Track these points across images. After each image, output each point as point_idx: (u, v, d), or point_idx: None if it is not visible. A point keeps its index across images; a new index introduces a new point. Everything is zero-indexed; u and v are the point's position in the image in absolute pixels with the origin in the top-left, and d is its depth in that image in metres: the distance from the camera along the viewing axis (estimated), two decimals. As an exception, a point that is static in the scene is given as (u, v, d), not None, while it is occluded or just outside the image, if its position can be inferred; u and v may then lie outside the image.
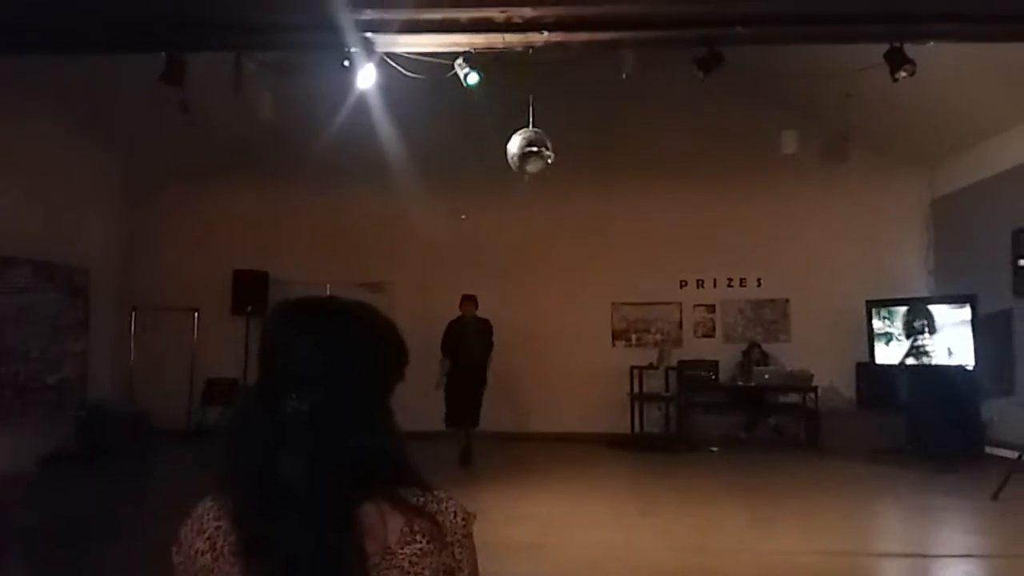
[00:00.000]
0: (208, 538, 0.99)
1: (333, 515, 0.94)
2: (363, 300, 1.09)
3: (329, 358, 1.01)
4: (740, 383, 9.86)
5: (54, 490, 6.83)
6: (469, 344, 8.37)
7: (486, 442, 8.78)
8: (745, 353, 10.11)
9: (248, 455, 0.98)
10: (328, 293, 9.02)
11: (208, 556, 0.99)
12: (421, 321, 8.34)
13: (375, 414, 1.03)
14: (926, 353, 8.59)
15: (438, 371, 8.28)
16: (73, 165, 9.00)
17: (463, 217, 10.40)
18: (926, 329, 8.62)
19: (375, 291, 10.21)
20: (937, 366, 8.53)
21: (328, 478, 0.95)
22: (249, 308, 10.00)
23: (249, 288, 10.24)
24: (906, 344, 8.86)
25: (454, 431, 8.37)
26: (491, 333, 8.59)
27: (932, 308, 8.74)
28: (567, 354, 10.35)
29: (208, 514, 1.01)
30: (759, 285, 10.43)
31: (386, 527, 0.97)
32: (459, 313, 8.59)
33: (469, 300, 8.56)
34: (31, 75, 7.05)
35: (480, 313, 8.67)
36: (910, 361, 8.76)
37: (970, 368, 8.27)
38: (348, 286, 9.94)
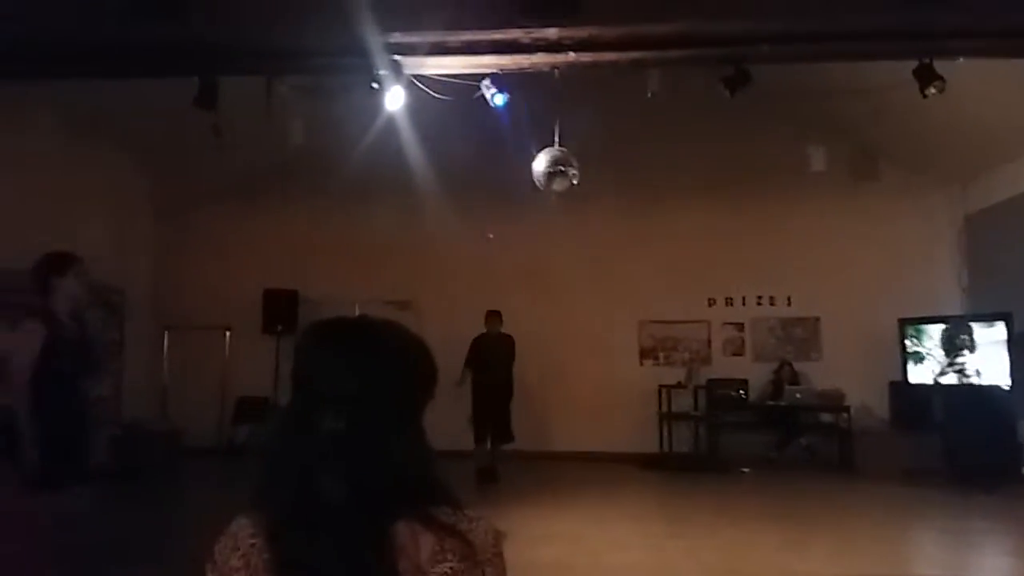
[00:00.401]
0: (243, 555, 0.99)
1: (368, 534, 0.94)
2: (392, 319, 1.11)
3: (362, 377, 1.02)
4: (771, 402, 9.75)
5: (90, 508, 6.97)
6: (494, 360, 8.36)
7: (510, 461, 8.72)
8: (776, 372, 10.00)
9: (285, 473, 0.99)
10: (358, 312, 8.61)
11: (243, 573, 0.99)
12: (448, 339, 8.00)
13: (407, 432, 1.04)
14: (964, 372, 8.49)
15: (461, 376, 8.21)
16: (107, 185, 9.17)
17: (490, 237, 10.41)
18: (966, 347, 8.52)
19: (402, 309, 10.19)
20: (974, 385, 8.42)
21: (364, 497, 0.96)
22: (279, 327, 10.09)
23: (279, 307, 10.31)
24: (941, 362, 8.78)
25: (481, 449, 8.31)
26: (513, 347, 8.59)
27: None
28: (594, 372, 10.33)
29: (243, 531, 1.01)
30: (789, 303, 10.31)
31: (418, 546, 0.97)
32: (484, 330, 8.59)
33: (494, 316, 8.57)
34: (64, 96, 7.22)
35: (505, 330, 8.68)
36: (946, 380, 8.65)
37: (1007, 388, 8.13)
38: (376, 304, 9.89)
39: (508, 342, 8.55)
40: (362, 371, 1.03)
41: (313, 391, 1.03)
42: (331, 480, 0.97)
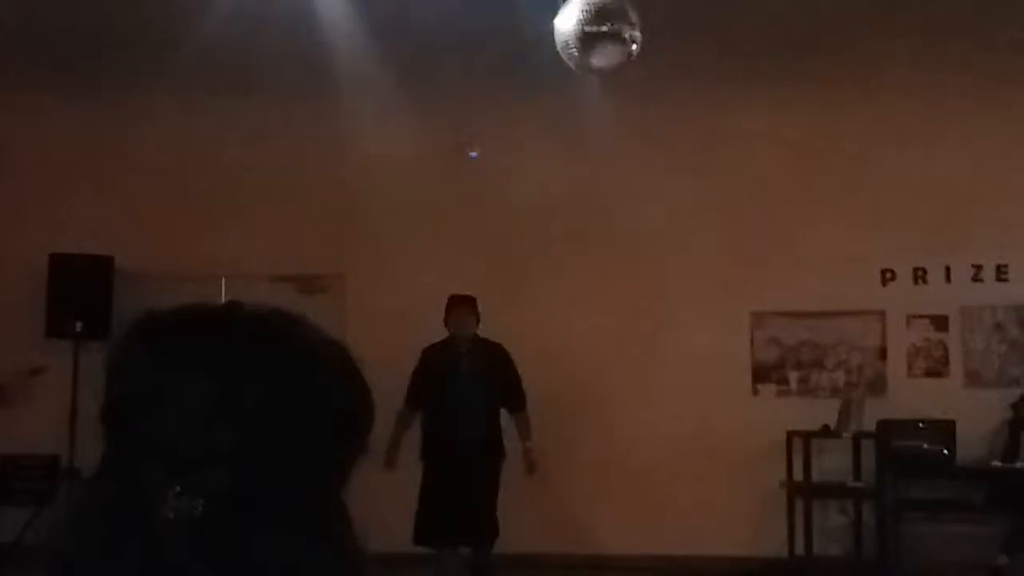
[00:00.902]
0: None
1: None
2: (293, 311, 1.19)
3: (239, 420, 1.08)
4: (1000, 464, 9.77)
5: None
6: (464, 394, 8.55)
7: (508, 573, 9.00)
8: (1015, 406, 9.93)
9: None
10: (225, 296, 9.17)
11: None
12: (397, 345, 8.79)
13: (318, 516, 1.12)
14: None
15: (392, 431, 8.57)
16: None
17: (472, 155, 10.64)
18: None
19: (311, 291, 10.50)
20: None
21: None
22: (79, 325, 10.14)
23: (79, 287, 10.38)
24: None
25: (448, 557, 8.64)
26: (508, 367, 8.84)
27: None
28: (660, 413, 10.39)
29: None
30: None
31: None
32: (443, 334, 8.99)
33: (462, 307, 8.83)
34: None
35: (490, 332, 8.99)
36: None
37: None
38: (263, 282, 10.05)
39: (492, 359, 8.82)
40: (238, 408, 1.09)
41: (145, 446, 1.09)
42: None
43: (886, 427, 9.85)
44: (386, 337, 9.21)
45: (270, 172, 10.82)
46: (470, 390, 8.60)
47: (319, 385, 1.16)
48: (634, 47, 6.80)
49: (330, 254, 10.74)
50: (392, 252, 10.69)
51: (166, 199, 10.88)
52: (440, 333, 9.00)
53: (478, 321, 8.86)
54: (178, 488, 1.07)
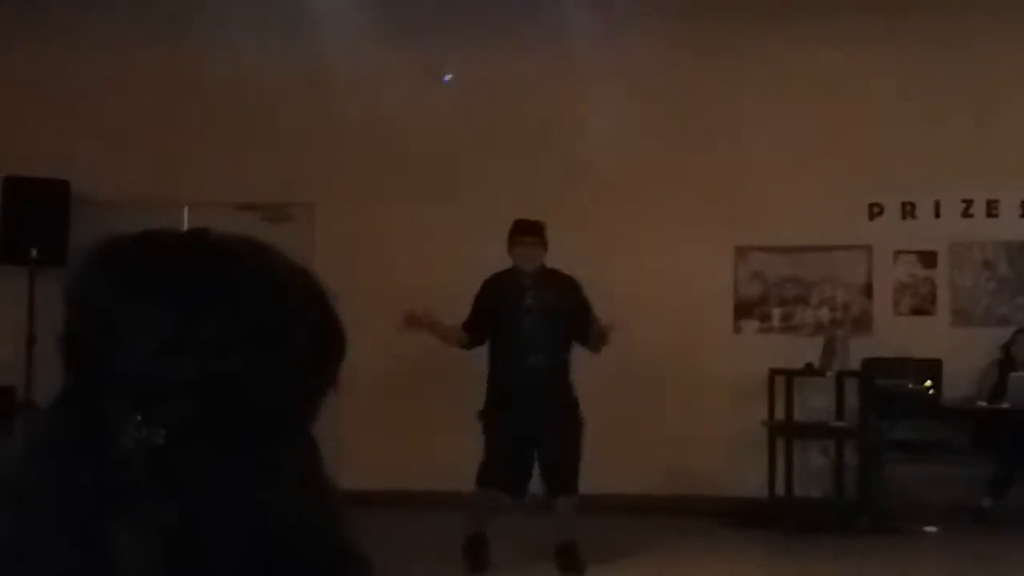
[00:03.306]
0: None
1: None
2: (258, 238, 1.18)
3: (201, 349, 1.08)
4: (985, 405, 9.81)
5: None
6: (536, 328, 8.22)
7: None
8: (1004, 348, 9.98)
9: (46, 534, 1.04)
10: (188, 223, 9.47)
11: None
12: (366, 280, 8.92)
13: (285, 451, 1.11)
14: None
15: (460, 339, 8.33)
16: None
17: (446, 79, 10.69)
18: None
19: (278, 220, 10.48)
20: None
21: (197, 575, 1.04)
22: (34, 252, 10.15)
23: (35, 212, 10.36)
24: None
25: (493, 500, 8.27)
26: (585, 304, 8.42)
27: None
28: (640, 350, 10.22)
29: None
30: None
31: None
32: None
33: (529, 236, 8.39)
34: None
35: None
36: None
37: None
38: (225, 209, 9.94)
39: (564, 290, 8.45)
40: (203, 336, 1.08)
41: (106, 375, 1.08)
42: (136, 541, 1.02)
43: (870, 366, 9.93)
44: (356, 269, 9.22)
45: (238, 98, 10.72)
46: (539, 323, 8.32)
47: (285, 314, 1.16)
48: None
49: (299, 183, 10.69)
50: (364, 182, 10.67)
51: (127, 122, 10.76)
52: (411, 268, 8.85)
53: (545, 247, 8.44)
54: (139, 418, 1.07)
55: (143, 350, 1.09)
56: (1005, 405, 9.52)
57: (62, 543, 1.06)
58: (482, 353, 8.41)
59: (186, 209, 9.90)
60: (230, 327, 1.11)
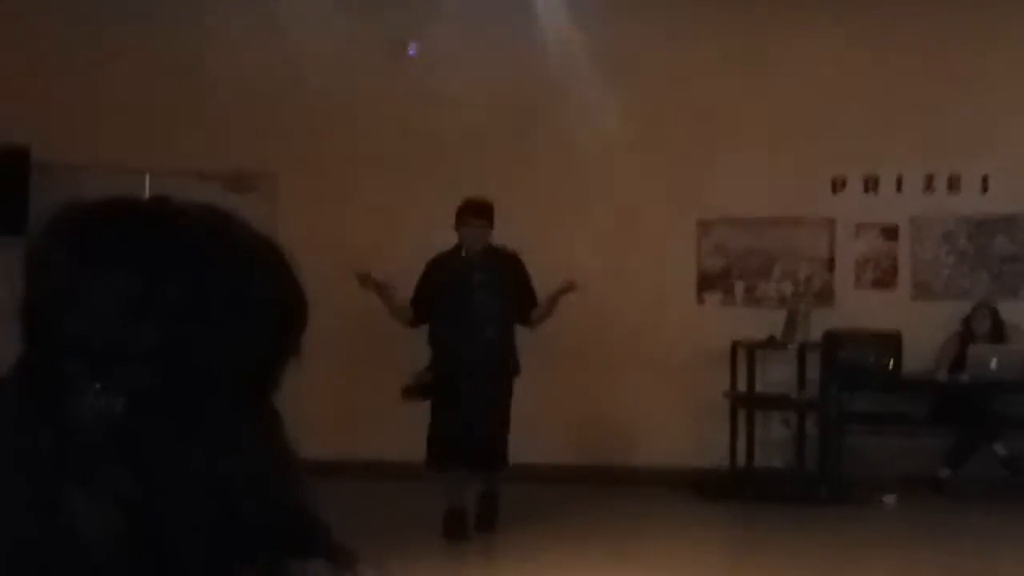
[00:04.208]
0: None
1: None
2: (221, 206, 1.20)
3: (162, 317, 1.09)
4: (943, 377, 9.91)
5: None
6: (478, 309, 8.45)
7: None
8: (964, 321, 10.08)
9: (2, 502, 1.05)
10: (149, 190, 8.76)
11: None
12: (329, 250, 8.86)
13: (246, 420, 1.11)
14: None
15: (404, 314, 8.54)
16: None
17: (412, 52, 10.65)
18: None
19: (240, 189, 10.34)
20: None
21: (158, 543, 1.03)
22: None
23: None
24: None
25: (442, 478, 8.56)
26: (522, 277, 8.69)
27: None
28: (604, 321, 10.46)
29: None
30: (985, 190, 10.42)
31: None
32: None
33: (476, 213, 8.55)
34: None
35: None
36: None
37: None
38: (187, 178, 9.81)
39: (508, 268, 8.68)
40: (164, 304, 1.08)
41: (66, 342, 1.09)
42: (92, 507, 1.02)
43: (832, 338, 9.93)
44: (320, 238, 9.19)
45: (201, 64, 10.64)
46: (484, 304, 8.50)
47: (247, 281, 1.16)
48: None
49: (262, 152, 10.59)
50: (328, 151, 10.64)
51: (88, 88, 10.67)
52: (373, 239, 8.82)
53: (491, 226, 8.61)
54: (97, 384, 1.07)
55: (104, 317, 1.10)
56: (964, 378, 9.63)
57: (20, 511, 1.06)
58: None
59: (148, 177, 9.71)
60: (192, 294, 1.12)
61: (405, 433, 8.75)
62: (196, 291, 1.11)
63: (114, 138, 10.49)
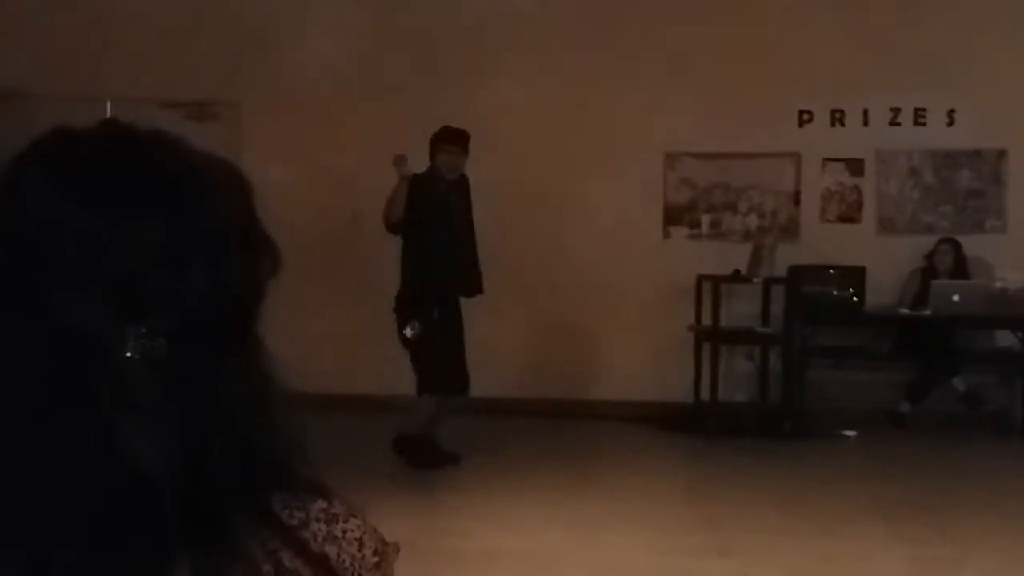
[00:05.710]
0: None
1: (211, 540, 1.07)
2: (182, 135, 1.18)
3: (132, 246, 1.10)
4: (907, 312, 9.99)
5: None
6: (455, 230, 8.57)
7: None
8: (927, 257, 10.17)
9: (48, 434, 1.06)
10: (110, 116, 8.78)
11: None
12: (293, 182, 9.10)
13: (241, 352, 1.16)
14: None
15: (397, 212, 8.46)
16: None
17: None
18: None
19: (202, 118, 10.44)
20: None
21: (201, 464, 1.08)
22: None
23: None
24: None
25: (440, 402, 8.53)
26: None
27: None
28: (569, 255, 10.59)
29: None
30: (951, 123, 10.48)
31: (246, 565, 1.09)
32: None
33: (453, 140, 8.60)
34: None
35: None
36: None
37: None
38: (149, 106, 9.69)
39: (467, 191, 8.81)
40: (131, 235, 1.09)
41: (101, 287, 1.08)
42: (149, 436, 1.05)
43: (796, 273, 10.07)
44: (282, 169, 9.24)
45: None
46: (461, 228, 8.62)
47: (219, 206, 1.15)
48: None
49: (224, 81, 10.59)
50: (289, 81, 10.60)
51: (49, 16, 10.60)
52: (338, 167, 8.84)
53: (466, 156, 8.67)
54: (143, 329, 1.07)
55: (142, 262, 1.09)
56: (927, 312, 9.72)
57: (76, 443, 1.06)
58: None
59: (109, 104, 9.63)
60: (161, 222, 1.11)
61: (373, 369, 8.95)
62: (168, 217, 1.12)
63: (75, 66, 10.41)
